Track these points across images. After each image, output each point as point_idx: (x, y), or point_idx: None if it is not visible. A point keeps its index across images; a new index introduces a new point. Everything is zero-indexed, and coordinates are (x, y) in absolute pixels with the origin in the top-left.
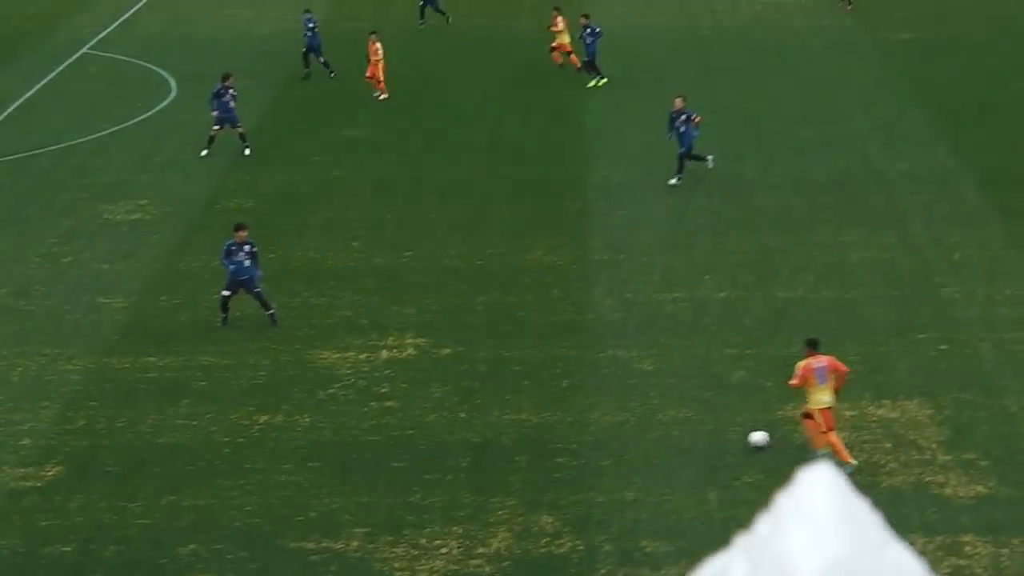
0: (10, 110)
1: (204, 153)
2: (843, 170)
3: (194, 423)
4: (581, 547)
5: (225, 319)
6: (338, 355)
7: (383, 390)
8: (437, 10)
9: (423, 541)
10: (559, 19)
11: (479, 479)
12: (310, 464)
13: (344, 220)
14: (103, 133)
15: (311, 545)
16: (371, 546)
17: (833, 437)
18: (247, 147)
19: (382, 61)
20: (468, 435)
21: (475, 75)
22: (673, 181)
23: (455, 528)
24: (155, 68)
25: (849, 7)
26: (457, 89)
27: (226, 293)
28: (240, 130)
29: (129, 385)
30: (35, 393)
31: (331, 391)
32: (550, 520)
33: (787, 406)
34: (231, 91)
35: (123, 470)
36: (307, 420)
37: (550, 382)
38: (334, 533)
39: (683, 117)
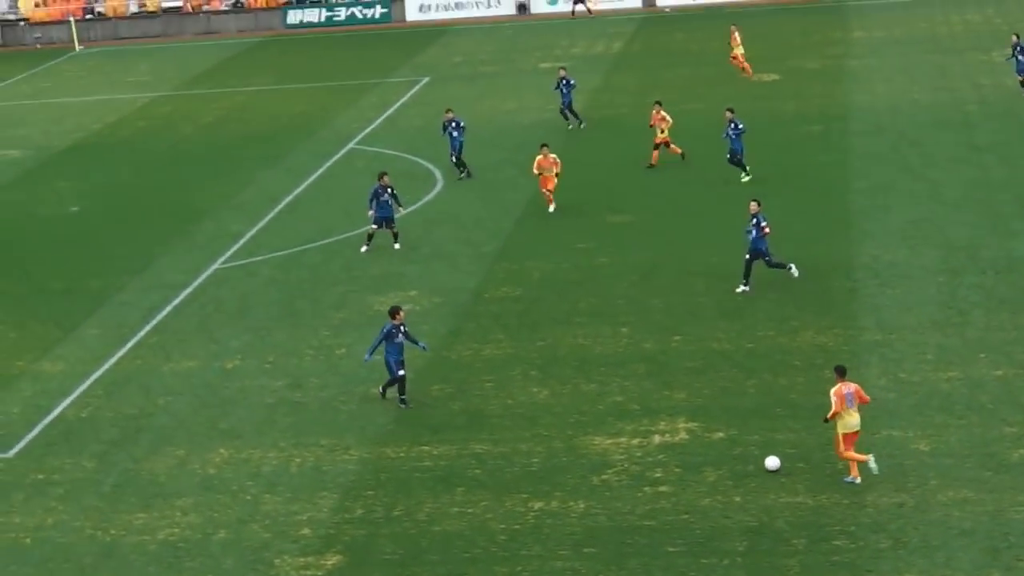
0: (281, 206)
1: (364, 250)
2: None
3: (469, 511)
4: None
5: (404, 401)
6: (610, 441)
7: (656, 475)
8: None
9: None
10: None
11: (756, 563)
12: (585, 550)
13: (611, 306)
14: (371, 227)
15: None
16: None
17: (851, 453)
18: (397, 244)
19: (556, 174)
20: (743, 519)
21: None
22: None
23: None
24: (420, 160)
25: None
26: (718, 171)
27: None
28: (394, 231)
29: (405, 474)
30: (313, 484)
31: (604, 477)
32: None
33: None
34: (389, 190)
35: (401, 558)
36: (581, 506)
37: (824, 464)
38: None
39: (755, 222)
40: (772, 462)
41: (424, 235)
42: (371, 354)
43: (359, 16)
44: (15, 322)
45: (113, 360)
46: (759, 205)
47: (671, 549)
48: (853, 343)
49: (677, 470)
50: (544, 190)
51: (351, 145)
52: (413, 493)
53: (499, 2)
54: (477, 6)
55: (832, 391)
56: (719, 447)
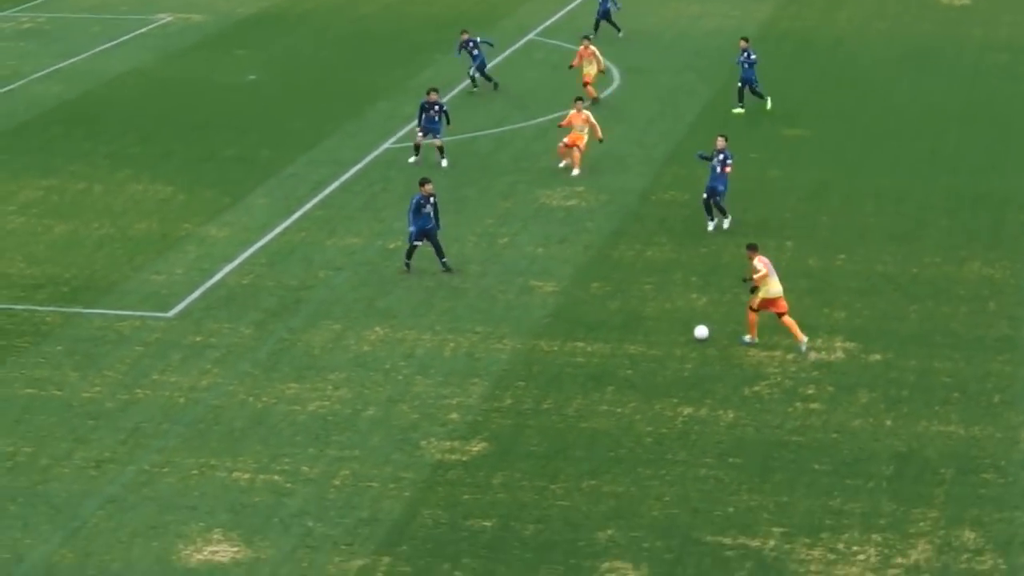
0: (455, 92)
1: (412, 160)
2: None
3: (618, 410)
4: (1003, 566)
5: (408, 266)
6: (765, 353)
7: (809, 391)
8: (611, 23)
9: (840, 546)
10: None
11: (901, 489)
12: (731, 460)
13: (778, 219)
14: (544, 119)
15: (727, 540)
16: (787, 546)
17: (789, 320)
18: (444, 159)
19: (585, 136)
20: (893, 443)
21: (919, 83)
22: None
23: (874, 536)
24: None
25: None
26: (900, 96)
27: (417, 243)
28: (438, 143)
29: (556, 368)
30: (465, 370)
31: (756, 388)
32: (972, 536)
33: None
34: (436, 105)
35: (546, 451)
36: (731, 416)
37: (980, 396)
38: (751, 530)
39: (721, 157)
40: (701, 331)
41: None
42: (413, 226)
43: None
44: (185, 185)
45: (278, 230)
46: (726, 141)
47: (817, 467)
48: (1020, 277)
49: (830, 389)
50: (574, 146)
51: (530, 36)
52: (563, 388)
53: None
54: None
55: (756, 260)
56: (874, 369)
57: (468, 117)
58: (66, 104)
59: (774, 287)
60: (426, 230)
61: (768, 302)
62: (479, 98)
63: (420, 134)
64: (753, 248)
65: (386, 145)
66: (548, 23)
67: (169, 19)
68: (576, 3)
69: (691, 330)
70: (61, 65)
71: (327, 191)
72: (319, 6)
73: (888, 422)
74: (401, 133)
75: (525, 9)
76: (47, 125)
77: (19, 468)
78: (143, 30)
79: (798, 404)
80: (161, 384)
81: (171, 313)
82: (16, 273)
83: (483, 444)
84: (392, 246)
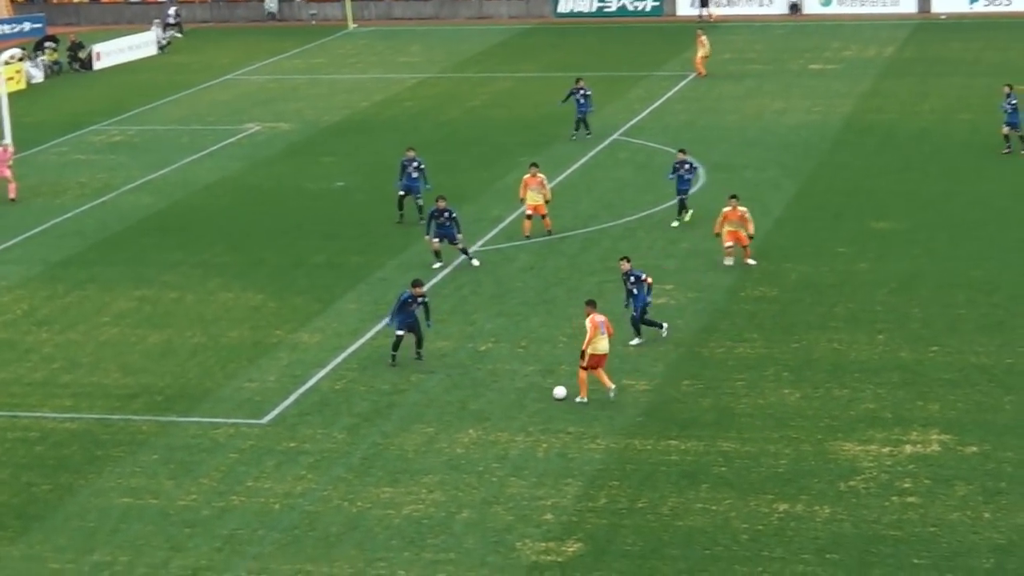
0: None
1: (435, 265)
2: None
3: (713, 508)
4: None
5: (394, 358)
6: (860, 448)
7: (905, 485)
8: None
9: None
10: None
11: None
12: (828, 556)
13: (869, 313)
14: (632, 218)
15: None
16: None
17: (584, 376)
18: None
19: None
20: (992, 536)
21: (1005, 173)
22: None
23: None
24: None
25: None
26: (988, 185)
27: (400, 333)
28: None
29: (650, 467)
30: (559, 470)
31: (852, 483)
32: None
33: None
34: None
35: (642, 551)
36: (827, 511)
37: None
38: None
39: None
40: (559, 391)
41: (683, 231)
42: (391, 319)
43: (629, 8)
44: (276, 292)
45: (369, 335)
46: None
47: (916, 561)
48: None
49: (927, 482)
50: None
51: (615, 136)
52: (657, 486)
53: (771, 1)
54: (749, 4)
55: (588, 319)
56: (971, 461)
57: (556, 217)
58: (157, 215)
59: (602, 345)
60: (410, 324)
61: (597, 359)
62: (566, 199)
63: (435, 240)
64: (592, 304)
65: (474, 248)
66: (632, 123)
67: (256, 128)
68: (659, 102)
69: (784, 425)
70: (151, 176)
71: None
72: (404, 112)
73: (987, 514)
74: (490, 235)
75: (609, 109)
76: (139, 236)
77: None
78: (231, 140)
79: (895, 498)
80: (256, 490)
81: (265, 420)
82: (111, 383)
83: (578, 544)
84: (483, 348)
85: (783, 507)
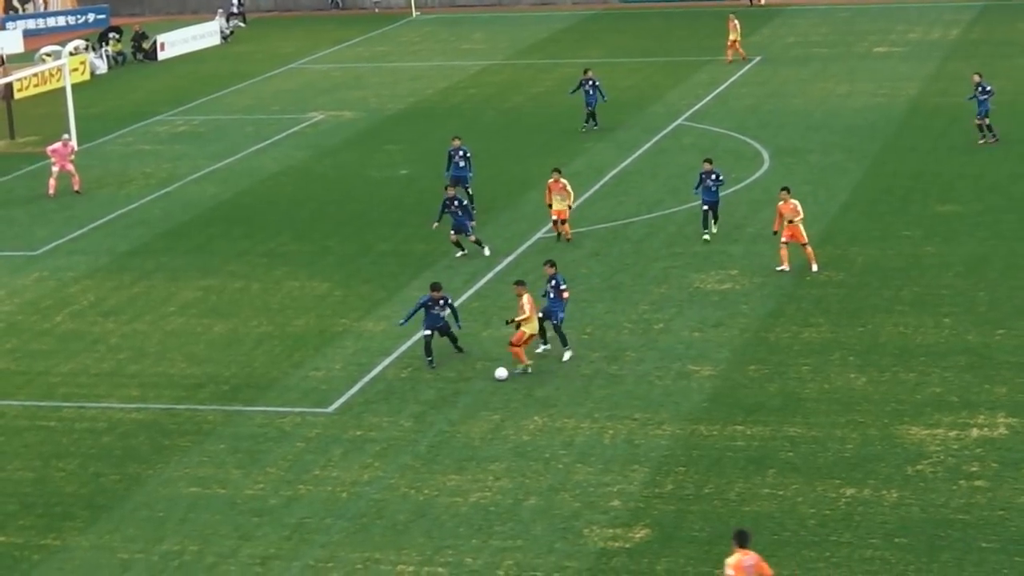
0: (606, 179)
1: (458, 255)
2: None
3: (780, 493)
4: None
5: (431, 362)
6: (927, 432)
7: (973, 468)
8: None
9: None
10: None
11: None
12: (897, 540)
13: (935, 296)
14: (696, 203)
15: None
16: None
17: (519, 351)
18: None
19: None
20: None
21: None
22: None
23: None
24: (748, 140)
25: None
26: None
27: (427, 333)
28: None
29: (717, 452)
30: (625, 456)
31: (919, 467)
32: None
33: None
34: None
35: (709, 536)
36: (894, 496)
37: None
38: None
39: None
40: (500, 372)
41: (749, 215)
42: (405, 321)
43: None
44: (342, 281)
45: None
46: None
47: (985, 545)
48: None
49: (995, 465)
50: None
51: (679, 121)
52: (724, 472)
53: None
54: None
55: (524, 298)
56: None
57: (620, 204)
58: (222, 204)
59: (534, 325)
60: (439, 327)
61: (529, 337)
62: (631, 185)
63: (452, 232)
64: (522, 284)
65: (539, 235)
66: (696, 107)
67: (321, 117)
68: (723, 87)
69: (851, 409)
70: (216, 166)
71: (481, 283)
72: (468, 99)
73: None
74: None
75: (673, 94)
76: (204, 226)
77: (185, 566)
78: (295, 129)
79: (962, 482)
80: (323, 479)
81: (331, 408)
82: (177, 373)
83: (646, 531)
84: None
85: (850, 492)
